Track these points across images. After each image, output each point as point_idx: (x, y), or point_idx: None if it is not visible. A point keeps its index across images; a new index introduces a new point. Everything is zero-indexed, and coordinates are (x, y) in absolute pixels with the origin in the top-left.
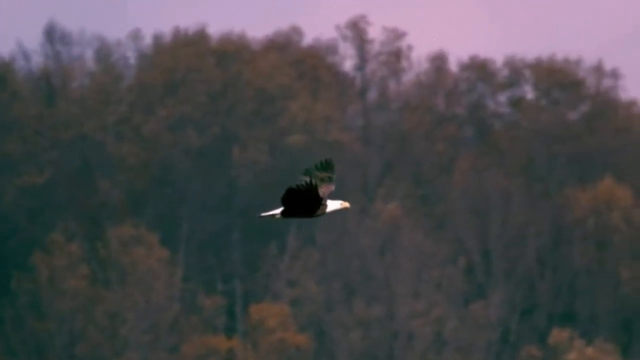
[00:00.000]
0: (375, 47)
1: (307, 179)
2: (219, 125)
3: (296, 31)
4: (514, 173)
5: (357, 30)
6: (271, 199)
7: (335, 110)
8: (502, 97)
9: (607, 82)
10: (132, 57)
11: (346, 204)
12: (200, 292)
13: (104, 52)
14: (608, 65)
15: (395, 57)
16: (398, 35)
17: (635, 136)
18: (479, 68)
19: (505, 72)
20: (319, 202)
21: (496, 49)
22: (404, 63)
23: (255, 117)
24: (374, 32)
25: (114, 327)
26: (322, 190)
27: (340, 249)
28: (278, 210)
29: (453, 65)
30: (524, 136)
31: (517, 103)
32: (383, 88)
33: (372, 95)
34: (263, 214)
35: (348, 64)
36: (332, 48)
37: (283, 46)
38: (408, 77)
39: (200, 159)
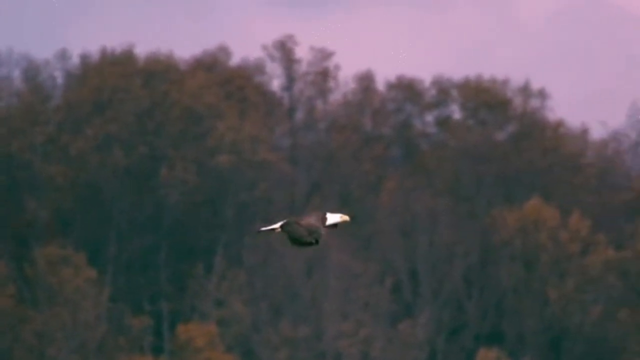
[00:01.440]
0: (302, 67)
1: (313, 236)
2: (146, 145)
3: (224, 51)
4: (441, 193)
5: (284, 50)
6: (199, 219)
7: (263, 130)
8: (430, 117)
9: (534, 103)
10: (59, 76)
11: (346, 217)
12: (127, 312)
13: (31, 71)
14: (535, 86)
15: (323, 76)
16: (325, 55)
17: (562, 156)
18: (406, 88)
19: (432, 92)
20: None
21: (423, 68)
22: (332, 83)
23: (183, 136)
24: (302, 52)
25: (41, 347)
26: (319, 216)
27: (267, 269)
28: (277, 225)
29: (380, 85)
30: (451, 156)
31: (444, 123)
32: (310, 108)
33: (300, 114)
34: (263, 229)
35: (276, 84)
36: (259, 68)
37: (210, 66)
38: (335, 97)
39: (127, 178)
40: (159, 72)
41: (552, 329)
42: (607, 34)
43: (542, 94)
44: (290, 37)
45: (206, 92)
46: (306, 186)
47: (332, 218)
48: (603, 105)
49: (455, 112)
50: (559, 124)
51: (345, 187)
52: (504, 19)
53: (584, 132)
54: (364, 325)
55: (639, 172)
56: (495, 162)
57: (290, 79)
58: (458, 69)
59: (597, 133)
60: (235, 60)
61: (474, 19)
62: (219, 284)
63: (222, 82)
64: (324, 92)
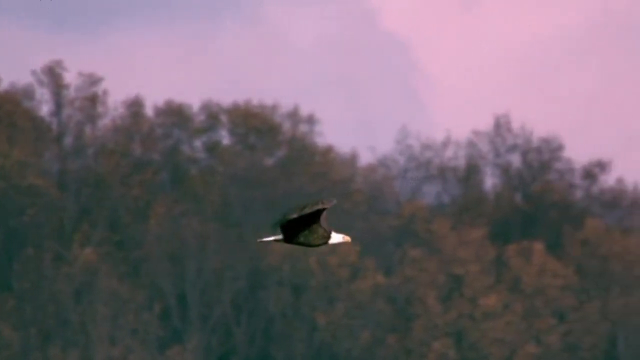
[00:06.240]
0: (71, 93)
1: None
2: None
3: None
4: (210, 218)
5: (53, 75)
6: None
7: (32, 156)
8: (199, 142)
9: (303, 128)
10: None
11: (348, 238)
12: None
13: None
14: (304, 111)
15: (91, 102)
16: (94, 80)
17: (331, 182)
18: (175, 113)
19: (201, 117)
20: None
21: (192, 93)
22: (100, 108)
23: None
24: (70, 78)
25: None
26: (326, 228)
27: (36, 294)
28: (280, 236)
29: (149, 110)
30: (220, 181)
31: (213, 148)
32: (79, 133)
33: (69, 140)
34: (264, 239)
35: (45, 109)
36: (28, 93)
37: None
38: (104, 122)
39: None
40: None
41: (321, 354)
42: (376, 60)
43: (311, 120)
44: (59, 62)
45: None
46: (75, 211)
47: (335, 238)
48: (372, 131)
49: (225, 138)
50: (328, 149)
51: (114, 212)
52: (273, 44)
53: (353, 157)
54: (132, 350)
55: (407, 197)
56: (264, 187)
57: (59, 104)
58: (227, 94)
59: (366, 159)
60: (3, 85)
61: (243, 43)
62: None
63: None
64: (92, 118)
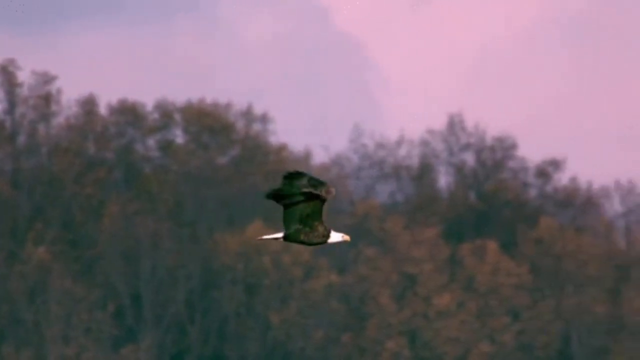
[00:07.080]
0: (24, 91)
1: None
2: None
3: None
4: (163, 217)
5: (6, 74)
6: None
7: None
8: (152, 141)
9: (256, 127)
10: None
11: (347, 237)
12: None
13: None
14: (258, 110)
15: (45, 100)
16: (48, 79)
17: None
18: (128, 111)
19: (155, 116)
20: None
21: (146, 92)
22: (54, 107)
23: None
24: (24, 76)
25: None
26: (327, 227)
27: None
28: (280, 234)
29: (103, 109)
30: (174, 180)
31: (166, 147)
32: (32, 131)
33: (22, 138)
34: (265, 237)
35: None
36: None
37: None
38: (58, 121)
39: None
40: None
41: (275, 353)
42: (330, 59)
43: (264, 118)
44: (12, 61)
45: None
46: (28, 210)
47: (335, 237)
48: (326, 130)
49: (178, 136)
50: (282, 148)
51: (68, 211)
52: (226, 43)
53: (307, 156)
54: (86, 349)
55: (361, 196)
56: (218, 186)
57: (12, 103)
58: (181, 93)
59: (319, 157)
60: None
61: (196, 42)
62: None
63: None
64: (46, 116)
